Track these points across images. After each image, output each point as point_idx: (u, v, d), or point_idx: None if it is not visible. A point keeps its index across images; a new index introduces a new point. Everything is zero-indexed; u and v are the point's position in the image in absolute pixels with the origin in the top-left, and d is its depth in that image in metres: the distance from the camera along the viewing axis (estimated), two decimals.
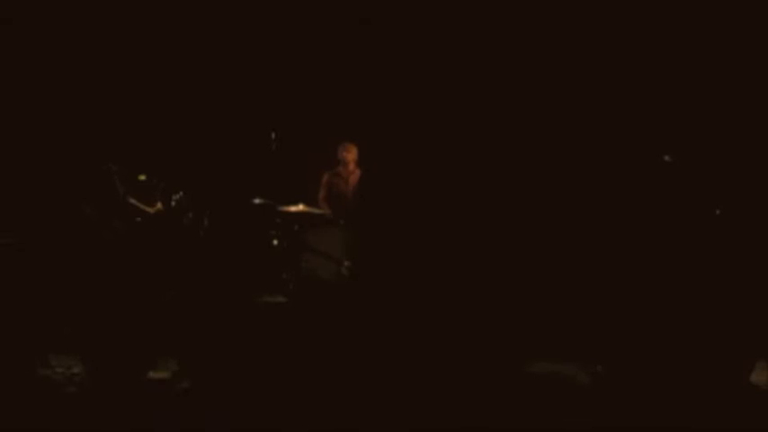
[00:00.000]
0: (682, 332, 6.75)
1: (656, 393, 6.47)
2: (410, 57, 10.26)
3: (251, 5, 10.37)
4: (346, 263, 8.87)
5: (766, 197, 8.70)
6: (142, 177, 8.73)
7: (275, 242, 9.49)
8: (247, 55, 10.44)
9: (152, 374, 6.76)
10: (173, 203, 8.48)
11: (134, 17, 10.16)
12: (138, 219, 8.23)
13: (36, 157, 9.56)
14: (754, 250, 8.54)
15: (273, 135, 9.75)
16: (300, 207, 9.43)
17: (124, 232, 7.84)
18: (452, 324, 7.89)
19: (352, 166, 9.60)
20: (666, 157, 7.35)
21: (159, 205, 8.44)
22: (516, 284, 8.47)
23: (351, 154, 9.62)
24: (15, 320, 6.96)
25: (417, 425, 5.95)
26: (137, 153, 9.35)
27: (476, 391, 6.61)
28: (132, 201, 8.23)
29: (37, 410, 6.01)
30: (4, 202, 8.83)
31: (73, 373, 7.03)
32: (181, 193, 8.50)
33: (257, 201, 9.44)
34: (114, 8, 10.11)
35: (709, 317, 6.80)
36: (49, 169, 9.12)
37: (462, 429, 5.95)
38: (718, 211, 7.46)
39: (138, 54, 10.23)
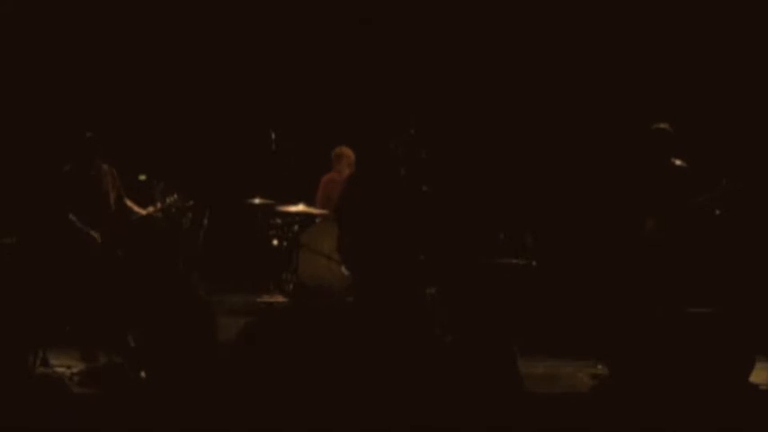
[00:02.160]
0: (682, 332, 6.75)
1: (656, 393, 6.47)
2: (410, 56, 10.26)
3: (251, 5, 10.37)
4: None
5: (766, 197, 8.71)
6: (142, 177, 8.72)
7: (275, 242, 9.49)
8: (247, 55, 10.44)
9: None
10: (166, 204, 8.46)
11: (133, 17, 10.16)
12: (133, 220, 8.21)
13: (36, 158, 9.56)
14: (753, 250, 8.55)
15: (273, 135, 9.75)
16: (300, 207, 9.42)
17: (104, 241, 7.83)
18: (451, 323, 7.89)
19: (347, 171, 9.44)
20: (724, 181, 7.35)
21: (158, 206, 8.42)
22: (516, 283, 8.47)
23: (345, 158, 9.47)
24: (15, 320, 6.95)
25: (417, 425, 5.95)
26: (136, 153, 9.36)
27: (475, 391, 6.60)
28: (128, 202, 8.21)
29: (37, 410, 6.00)
30: (3, 202, 8.83)
31: (73, 372, 7.03)
32: (175, 195, 8.46)
33: (257, 201, 9.44)
34: (114, 8, 10.11)
35: (708, 316, 6.80)
36: (48, 169, 9.12)
37: (462, 430, 5.95)
38: (718, 212, 7.45)
39: (138, 54, 10.23)
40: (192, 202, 8.75)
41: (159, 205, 8.35)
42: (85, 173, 7.88)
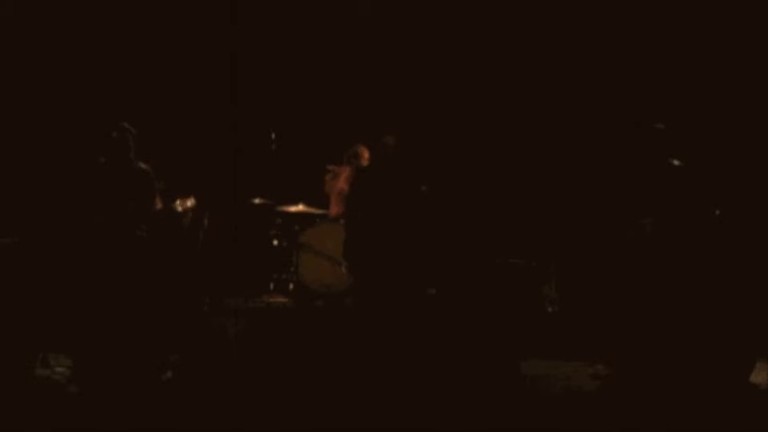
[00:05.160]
0: (681, 332, 6.75)
1: (655, 393, 6.47)
2: (410, 56, 10.26)
3: (251, 5, 10.37)
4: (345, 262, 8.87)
5: (766, 197, 8.70)
6: None
7: (275, 242, 9.50)
8: (247, 55, 10.44)
9: (153, 375, 6.76)
10: (186, 208, 8.45)
11: (134, 16, 10.17)
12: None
13: (36, 157, 9.57)
14: (753, 250, 8.54)
15: (273, 135, 9.75)
16: (300, 207, 9.44)
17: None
18: (451, 324, 7.90)
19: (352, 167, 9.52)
20: (675, 162, 7.35)
21: (159, 206, 8.43)
22: (516, 283, 8.47)
23: (363, 158, 9.47)
24: (15, 320, 6.96)
25: (417, 425, 5.95)
26: (136, 152, 9.35)
27: (475, 391, 6.61)
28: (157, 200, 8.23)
29: (37, 410, 6.01)
30: (4, 202, 8.83)
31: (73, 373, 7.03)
32: (192, 199, 8.45)
33: (257, 201, 9.44)
34: (115, 7, 10.11)
35: (709, 317, 6.80)
36: (48, 169, 9.12)
37: (462, 430, 5.96)
38: (717, 212, 7.45)
39: (139, 53, 10.23)
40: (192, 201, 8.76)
41: (163, 204, 8.36)
42: (113, 170, 7.88)
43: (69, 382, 6.84)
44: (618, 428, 6.01)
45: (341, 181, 9.43)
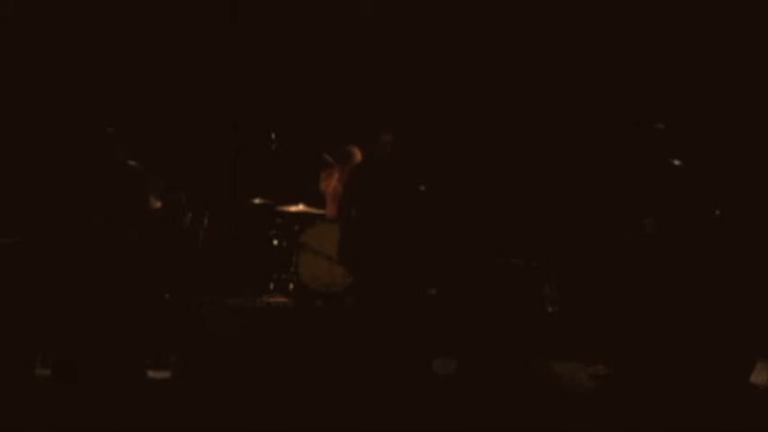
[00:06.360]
0: (681, 332, 6.75)
1: (655, 393, 6.48)
2: (409, 56, 10.26)
3: (251, 5, 10.37)
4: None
5: (766, 197, 8.70)
6: None
7: (275, 242, 9.50)
8: (247, 54, 10.44)
9: (152, 374, 6.75)
10: (182, 222, 8.48)
11: (135, 16, 10.17)
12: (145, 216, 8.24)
13: (35, 157, 9.57)
14: (753, 250, 8.55)
15: (273, 135, 9.75)
16: (300, 207, 9.44)
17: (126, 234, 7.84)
18: (451, 324, 7.90)
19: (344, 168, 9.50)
20: (675, 162, 7.36)
21: (158, 205, 8.43)
22: (516, 283, 8.47)
23: (356, 157, 9.47)
24: (15, 320, 6.96)
25: (417, 425, 5.95)
26: (136, 153, 9.35)
27: (475, 391, 6.61)
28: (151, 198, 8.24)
29: (37, 410, 6.01)
30: (4, 202, 8.83)
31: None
32: (182, 192, 8.48)
33: (257, 201, 9.44)
34: (115, 7, 10.11)
35: (709, 317, 6.81)
36: (48, 169, 9.13)
37: (462, 429, 5.96)
38: (717, 212, 7.46)
39: (139, 53, 10.23)
40: (183, 193, 8.77)
41: (163, 204, 8.38)
42: (106, 169, 7.92)
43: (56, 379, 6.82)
44: (618, 428, 6.01)
45: (334, 181, 9.43)
